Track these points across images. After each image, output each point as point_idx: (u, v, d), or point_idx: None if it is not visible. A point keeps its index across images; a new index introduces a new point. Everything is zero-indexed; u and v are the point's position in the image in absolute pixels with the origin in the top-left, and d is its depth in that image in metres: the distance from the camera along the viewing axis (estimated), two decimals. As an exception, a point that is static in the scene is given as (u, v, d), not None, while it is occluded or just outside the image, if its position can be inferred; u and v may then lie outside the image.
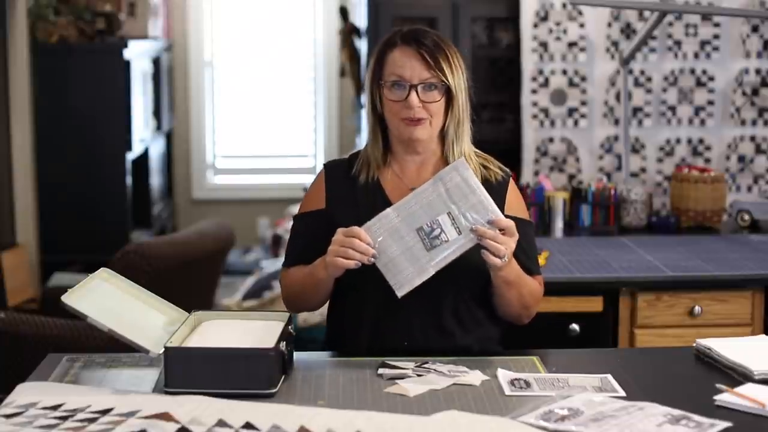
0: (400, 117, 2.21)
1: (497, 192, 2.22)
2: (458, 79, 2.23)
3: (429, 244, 2.06)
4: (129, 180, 5.16)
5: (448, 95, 2.23)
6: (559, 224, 3.75)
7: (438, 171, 2.15)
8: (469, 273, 2.19)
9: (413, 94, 2.19)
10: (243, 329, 2.09)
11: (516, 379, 2.02)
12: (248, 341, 2.01)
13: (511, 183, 2.33)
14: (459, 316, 2.26)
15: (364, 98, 2.31)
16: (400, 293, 2.08)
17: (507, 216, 2.12)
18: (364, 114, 2.32)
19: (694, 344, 2.23)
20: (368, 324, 2.24)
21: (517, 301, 2.23)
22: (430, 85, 2.20)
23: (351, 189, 2.29)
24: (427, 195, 2.07)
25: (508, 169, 2.35)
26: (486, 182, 2.23)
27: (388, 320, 2.23)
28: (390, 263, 2.07)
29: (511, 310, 2.26)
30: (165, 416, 1.76)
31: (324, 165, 2.38)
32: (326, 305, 2.38)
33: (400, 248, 2.06)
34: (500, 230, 2.06)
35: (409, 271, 2.06)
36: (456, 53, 2.24)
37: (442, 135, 2.28)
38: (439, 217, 2.06)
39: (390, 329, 2.23)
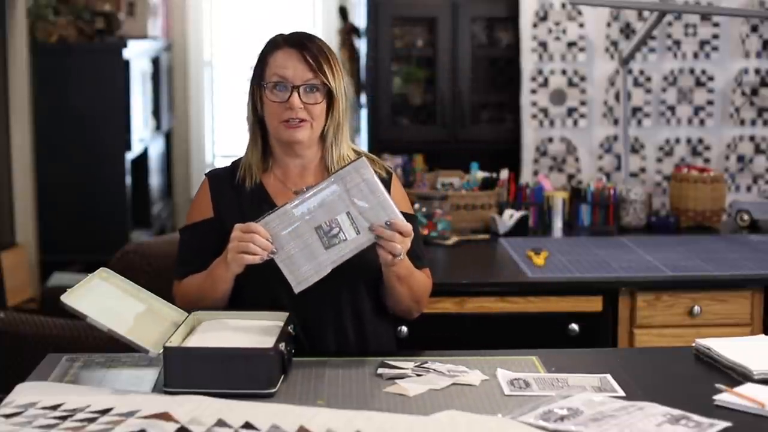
0: (281, 119, 2.21)
1: None
2: (339, 83, 2.24)
3: (327, 242, 2.07)
4: (128, 180, 5.16)
5: (329, 99, 2.23)
6: (558, 224, 3.75)
7: (319, 175, 2.22)
8: (365, 269, 2.20)
9: (295, 95, 2.19)
10: (242, 329, 2.09)
11: (515, 379, 2.02)
12: (248, 341, 2.01)
13: (394, 180, 2.34)
14: (357, 313, 2.27)
15: (248, 100, 2.29)
16: (297, 290, 2.09)
17: None
18: (245, 117, 2.31)
19: (694, 344, 2.23)
20: None
21: (408, 295, 2.25)
22: (312, 86, 2.20)
23: (236, 196, 2.28)
24: (327, 194, 2.07)
25: (390, 168, 2.36)
26: None
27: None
28: (288, 260, 2.08)
29: (402, 305, 2.28)
30: (164, 416, 1.76)
31: (206, 175, 2.36)
32: None
33: (299, 245, 2.07)
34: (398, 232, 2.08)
35: (306, 268, 2.07)
36: (337, 59, 2.26)
37: (322, 138, 2.28)
38: (338, 216, 2.07)
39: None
